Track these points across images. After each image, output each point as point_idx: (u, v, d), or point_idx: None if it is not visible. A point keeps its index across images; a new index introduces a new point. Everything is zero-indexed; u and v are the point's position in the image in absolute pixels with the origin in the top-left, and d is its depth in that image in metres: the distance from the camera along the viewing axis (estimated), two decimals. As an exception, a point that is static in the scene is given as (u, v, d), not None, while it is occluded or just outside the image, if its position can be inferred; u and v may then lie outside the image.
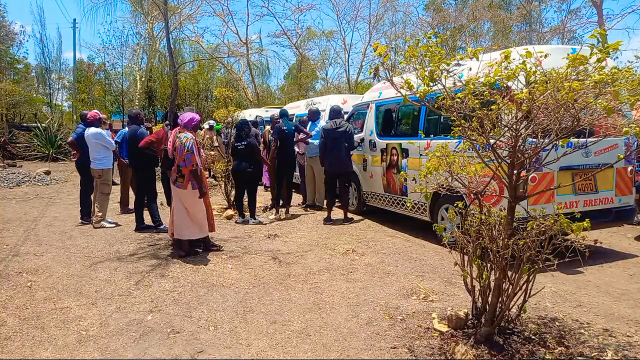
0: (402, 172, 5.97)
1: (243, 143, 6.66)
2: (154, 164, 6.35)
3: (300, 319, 3.38)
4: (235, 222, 6.89)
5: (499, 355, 2.65)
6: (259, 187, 7.34)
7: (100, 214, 6.48)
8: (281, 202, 7.49)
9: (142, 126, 6.56)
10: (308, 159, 7.87)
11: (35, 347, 2.96)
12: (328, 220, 6.84)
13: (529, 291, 2.74)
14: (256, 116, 11.88)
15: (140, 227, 6.30)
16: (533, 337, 2.87)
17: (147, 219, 6.33)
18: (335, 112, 6.87)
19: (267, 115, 11.75)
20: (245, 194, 6.93)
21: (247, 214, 6.94)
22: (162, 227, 6.21)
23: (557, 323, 3.17)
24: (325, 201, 7.43)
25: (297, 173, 9.52)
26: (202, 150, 5.42)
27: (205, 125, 11.36)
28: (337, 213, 7.13)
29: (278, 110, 8.24)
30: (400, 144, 6.15)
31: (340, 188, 6.97)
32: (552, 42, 19.74)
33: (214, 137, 11.01)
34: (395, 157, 6.27)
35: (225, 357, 2.83)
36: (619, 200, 4.89)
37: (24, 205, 8.21)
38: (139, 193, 6.46)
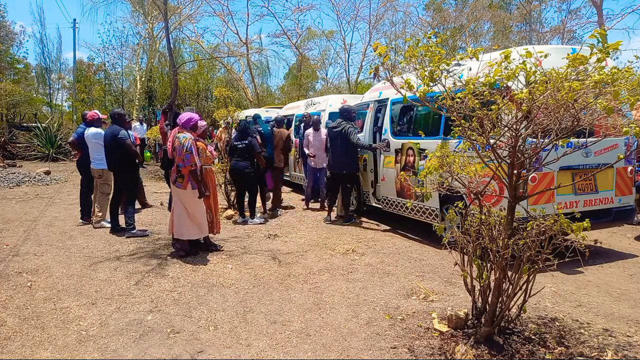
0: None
1: (244, 142, 6.69)
2: (135, 165, 6.20)
3: (300, 319, 3.39)
4: (235, 222, 6.89)
5: (499, 355, 2.65)
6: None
7: (100, 214, 6.48)
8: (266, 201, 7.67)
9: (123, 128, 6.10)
10: None
11: (35, 347, 2.95)
12: (327, 220, 6.84)
13: (529, 291, 2.74)
14: (246, 116, 11.41)
15: (115, 228, 6.10)
16: (533, 337, 2.87)
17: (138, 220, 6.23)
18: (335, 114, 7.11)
19: (266, 115, 11.74)
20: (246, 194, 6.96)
21: (248, 214, 6.95)
22: (134, 231, 5.99)
23: (557, 323, 3.17)
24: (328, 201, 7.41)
25: (299, 174, 9.53)
26: (208, 149, 5.41)
27: (222, 124, 11.15)
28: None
29: (277, 111, 8.31)
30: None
31: (342, 188, 6.98)
32: (552, 42, 19.74)
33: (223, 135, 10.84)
34: (402, 158, 6.24)
35: (225, 357, 2.83)
36: (619, 200, 4.89)
37: (24, 205, 8.21)
38: (115, 195, 6.20)
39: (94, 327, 3.25)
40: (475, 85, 2.61)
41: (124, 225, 6.06)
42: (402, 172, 5.80)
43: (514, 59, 2.49)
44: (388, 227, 6.59)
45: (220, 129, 10.64)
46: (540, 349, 2.73)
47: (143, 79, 23.53)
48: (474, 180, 3.01)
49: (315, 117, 8.06)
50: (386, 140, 6.44)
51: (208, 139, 7.09)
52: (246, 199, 6.99)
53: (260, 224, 6.80)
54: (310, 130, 7.77)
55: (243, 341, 3.03)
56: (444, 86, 2.66)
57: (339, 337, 3.07)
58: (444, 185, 3.18)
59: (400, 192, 6.11)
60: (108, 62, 28.89)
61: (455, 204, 3.83)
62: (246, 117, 11.17)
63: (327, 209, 7.11)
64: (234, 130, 7.63)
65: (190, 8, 22.18)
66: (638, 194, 5.59)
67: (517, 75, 2.47)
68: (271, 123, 8.54)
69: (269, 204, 7.74)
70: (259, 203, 7.54)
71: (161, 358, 2.81)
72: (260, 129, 7.62)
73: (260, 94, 26.31)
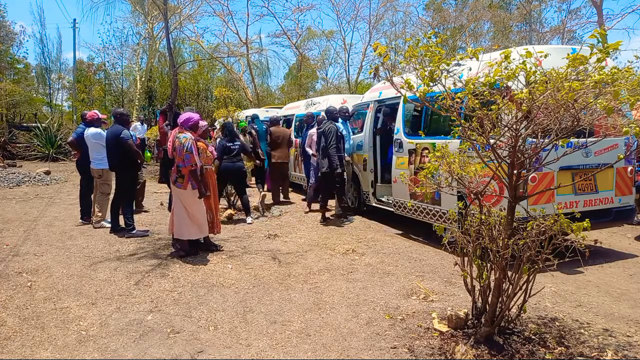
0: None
1: (237, 143, 6.90)
2: (136, 165, 6.23)
3: (300, 319, 3.39)
4: (223, 221, 6.91)
5: (499, 355, 2.65)
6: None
7: (100, 214, 6.48)
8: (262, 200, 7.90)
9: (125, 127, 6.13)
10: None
11: (35, 347, 2.95)
12: (322, 221, 6.84)
13: (529, 291, 2.74)
14: (246, 116, 11.52)
15: (115, 228, 6.10)
16: (533, 337, 2.87)
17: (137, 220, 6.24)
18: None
19: (266, 115, 11.78)
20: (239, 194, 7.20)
21: (233, 213, 7.21)
22: (134, 231, 5.98)
23: (557, 323, 3.17)
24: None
25: (299, 174, 9.52)
26: (209, 149, 5.43)
27: (217, 125, 11.19)
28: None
29: (277, 111, 8.64)
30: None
31: (334, 188, 6.99)
32: (552, 42, 19.73)
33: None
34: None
35: (225, 357, 2.83)
36: (619, 200, 4.89)
37: (24, 205, 8.21)
38: (117, 194, 6.19)
39: (94, 327, 3.25)
40: (475, 85, 2.61)
41: (124, 226, 6.06)
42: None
43: (514, 59, 2.49)
44: (388, 227, 6.59)
45: (216, 129, 10.67)
46: (540, 349, 2.73)
47: (143, 79, 23.52)
48: (474, 180, 3.01)
49: (321, 116, 8.01)
50: (340, 172, 6.56)
51: (208, 139, 7.14)
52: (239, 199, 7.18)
53: (256, 220, 6.92)
54: (314, 130, 7.76)
55: (243, 341, 3.03)
56: (444, 86, 2.66)
57: (339, 337, 3.07)
58: (443, 186, 3.18)
59: (414, 194, 5.78)
60: (108, 62, 28.90)
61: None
62: (246, 117, 11.24)
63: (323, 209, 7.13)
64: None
65: (190, 8, 22.18)
66: (638, 194, 5.58)
67: (517, 75, 2.47)
68: (267, 123, 9.25)
69: (269, 200, 7.93)
70: (252, 203, 7.62)
71: (161, 358, 2.81)
72: (256, 126, 8.46)
73: (260, 94, 26.30)
